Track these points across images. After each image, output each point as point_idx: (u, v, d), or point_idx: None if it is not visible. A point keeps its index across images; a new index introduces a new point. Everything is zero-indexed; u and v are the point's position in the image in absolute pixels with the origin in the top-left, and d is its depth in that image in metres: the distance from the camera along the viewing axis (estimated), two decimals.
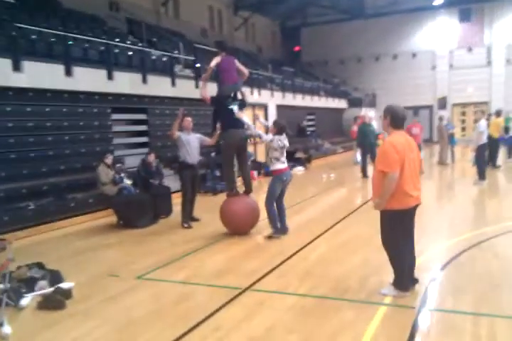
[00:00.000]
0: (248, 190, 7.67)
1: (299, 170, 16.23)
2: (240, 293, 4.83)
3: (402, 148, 4.40)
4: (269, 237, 6.99)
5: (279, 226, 7.05)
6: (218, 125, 7.78)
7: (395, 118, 4.53)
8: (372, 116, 16.19)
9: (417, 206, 4.55)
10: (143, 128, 12.68)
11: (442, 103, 27.66)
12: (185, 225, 8.01)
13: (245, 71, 7.82)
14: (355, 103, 27.23)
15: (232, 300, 4.67)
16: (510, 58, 26.66)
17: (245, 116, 7.33)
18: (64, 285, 5.06)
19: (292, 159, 17.29)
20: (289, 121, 7.83)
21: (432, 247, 6.14)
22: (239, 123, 7.55)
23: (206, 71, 7.60)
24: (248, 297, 4.76)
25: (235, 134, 7.46)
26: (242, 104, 7.68)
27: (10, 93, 9.01)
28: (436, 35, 28.11)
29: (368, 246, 6.39)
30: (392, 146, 4.37)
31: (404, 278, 4.56)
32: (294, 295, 4.73)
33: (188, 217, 8.17)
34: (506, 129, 15.50)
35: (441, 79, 28.25)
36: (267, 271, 5.51)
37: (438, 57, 28.24)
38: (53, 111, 9.98)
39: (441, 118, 15.98)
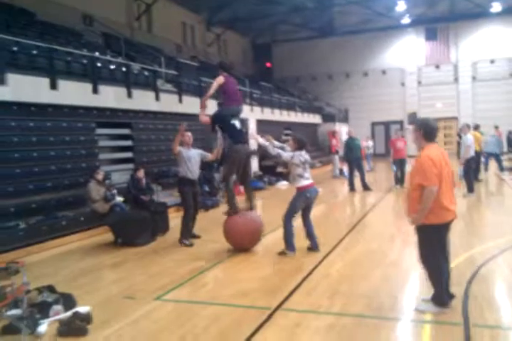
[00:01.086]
0: (251, 205, 7.50)
1: (283, 184, 16.03)
2: (271, 314, 4.60)
3: (439, 161, 4.34)
4: (281, 253, 6.73)
5: (294, 244, 6.74)
6: (219, 135, 7.59)
7: (429, 131, 4.48)
8: (349, 130, 16.27)
9: (452, 220, 4.47)
10: (128, 143, 12.33)
11: (412, 118, 28.23)
12: (187, 242, 7.70)
13: None
14: (328, 118, 27.47)
15: (265, 321, 4.44)
16: (475, 75, 27.58)
17: (260, 137, 7.14)
18: (81, 309, 4.72)
19: (274, 173, 17.26)
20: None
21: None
22: (242, 138, 7.42)
23: (207, 93, 7.40)
24: (282, 318, 4.53)
25: (240, 150, 7.28)
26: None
27: None
28: (405, 53, 28.81)
29: (383, 262, 6.32)
30: (430, 159, 4.30)
31: (444, 294, 4.45)
32: (330, 315, 4.53)
33: (189, 234, 7.88)
34: None
35: (410, 95, 28.94)
36: (292, 288, 5.30)
37: (407, 74, 28.95)
38: (38, 126, 9.56)
39: None
